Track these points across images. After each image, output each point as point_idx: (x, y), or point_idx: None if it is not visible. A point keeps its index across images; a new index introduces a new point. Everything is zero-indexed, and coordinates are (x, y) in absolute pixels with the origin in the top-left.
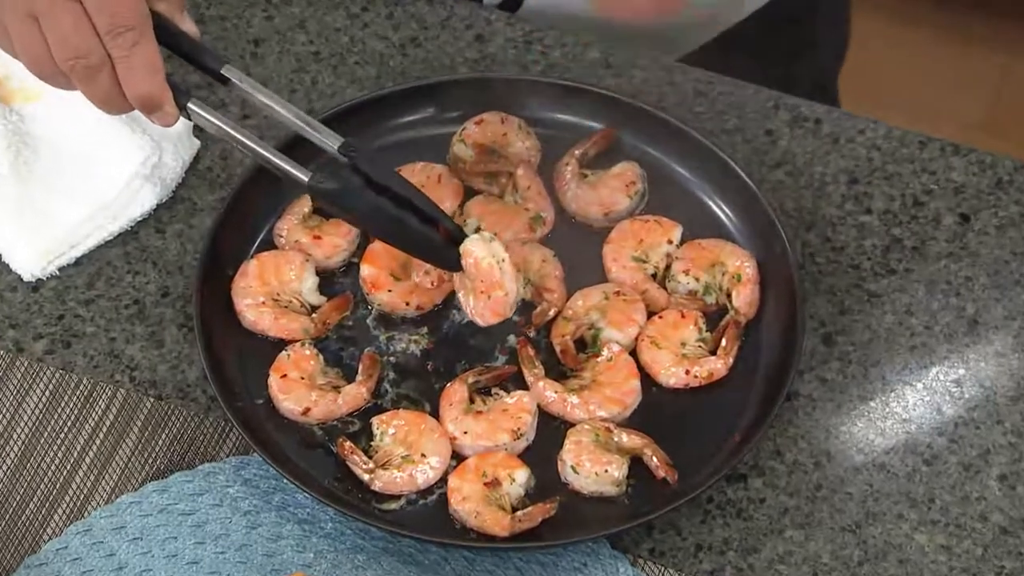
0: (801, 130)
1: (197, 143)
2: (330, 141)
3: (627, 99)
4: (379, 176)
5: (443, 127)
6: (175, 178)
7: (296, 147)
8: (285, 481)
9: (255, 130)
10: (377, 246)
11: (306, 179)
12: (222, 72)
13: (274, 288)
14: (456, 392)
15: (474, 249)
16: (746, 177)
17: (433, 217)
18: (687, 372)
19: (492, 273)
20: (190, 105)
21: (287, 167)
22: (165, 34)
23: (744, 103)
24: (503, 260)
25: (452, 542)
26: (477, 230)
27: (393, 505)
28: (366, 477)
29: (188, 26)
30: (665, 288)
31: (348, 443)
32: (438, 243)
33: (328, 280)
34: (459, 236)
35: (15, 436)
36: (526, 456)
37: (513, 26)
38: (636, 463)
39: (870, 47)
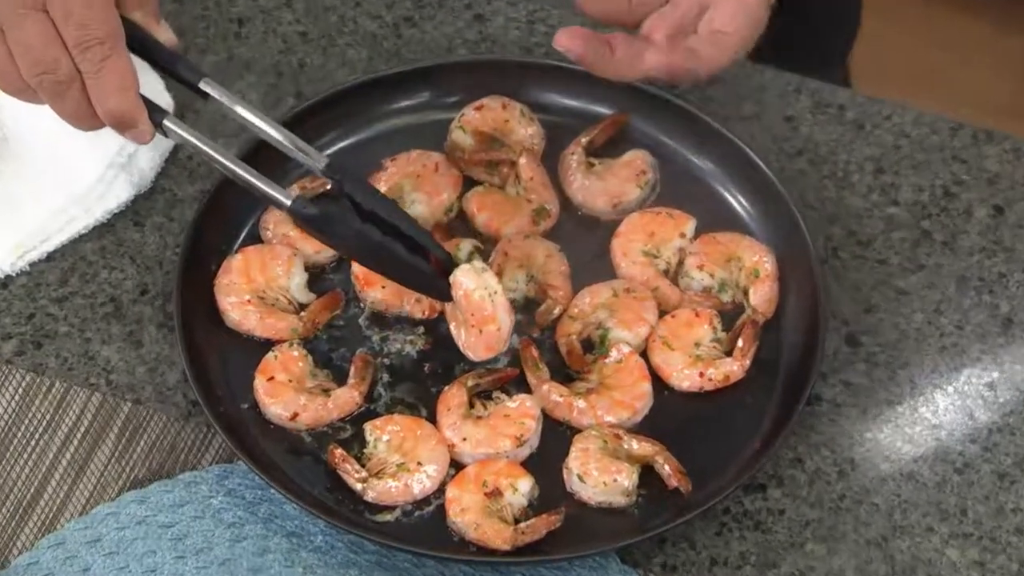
0: (824, 116)
1: None
2: (315, 160)
3: (637, 84)
4: (365, 200)
5: (440, 113)
6: (154, 167)
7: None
8: (272, 491)
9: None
10: None
11: (288, 202)
12: (200, 86)
13: (260, 285)
14: (455, 396)
15: (464, 280)
16: (764, 166)
17: (422, 245)
18: (701, 375)
19: (483, 306)
20: (165, 122)
21: (268, 189)
22: (140, 44)
23: (763, 87)
24: (495, 292)
25: (450, 556)
26: (471, 257)
27: (387, 516)
28: (359, 487)
29: (165, 35)
30: (678, 285)
31: (339, 450)
32: (427, 272)
33: (318, 276)
34: (449, 265)
35: None
36: (529, 464)
37: (515, 5)
38: (647, 472)
39: (885, 23)
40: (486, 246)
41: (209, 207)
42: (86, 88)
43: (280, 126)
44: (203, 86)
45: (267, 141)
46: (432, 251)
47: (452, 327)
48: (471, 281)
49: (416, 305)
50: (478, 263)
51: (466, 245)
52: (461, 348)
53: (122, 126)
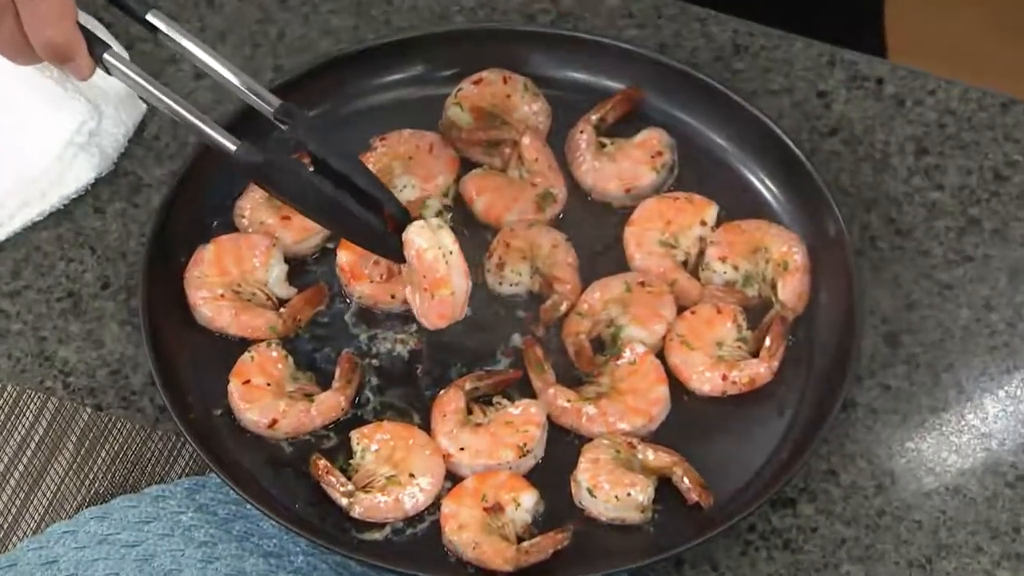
0: (860, 91)
1: (143, 106)
2: (267, 104)
3: (652, 54)
4: (319, 149)
5: (435, 88)
6: (116, 147)
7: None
8: (248, 506)
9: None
10: None
11: (233, 148)
12: (147, 18)
13: (235, 278)
14: (451, 401)
15: (416, 239)
16: (794, 147)
17: (376, 199)
18: (724, 377)
19: (436, 267)
20: (106, 56)
21: (213, 133)
22: None
23: (792, 59)
24: (451, 253)
25: None
26: (439, 214)
27: (376, 535)
28: (344, 501)
29: None
30: (698, 278)
31: (323, 461)
32: (379, 230)
33: (299, 269)
34: (404, 222)
35: None
36: (533, 477)
37: None
38: (664, 485)
39: None
40: (486, 235)
41: (178, 191)
42: (20, 18)
43: (232, 65)
44: (151, 18)
45: (223, 84)
46: (387, 206)
47: (407, 292)
48: (423, 239)
49: (374, 268)
50: (435, 220)
51: (433, 203)
52: (416, 315)
53: (59, 58)
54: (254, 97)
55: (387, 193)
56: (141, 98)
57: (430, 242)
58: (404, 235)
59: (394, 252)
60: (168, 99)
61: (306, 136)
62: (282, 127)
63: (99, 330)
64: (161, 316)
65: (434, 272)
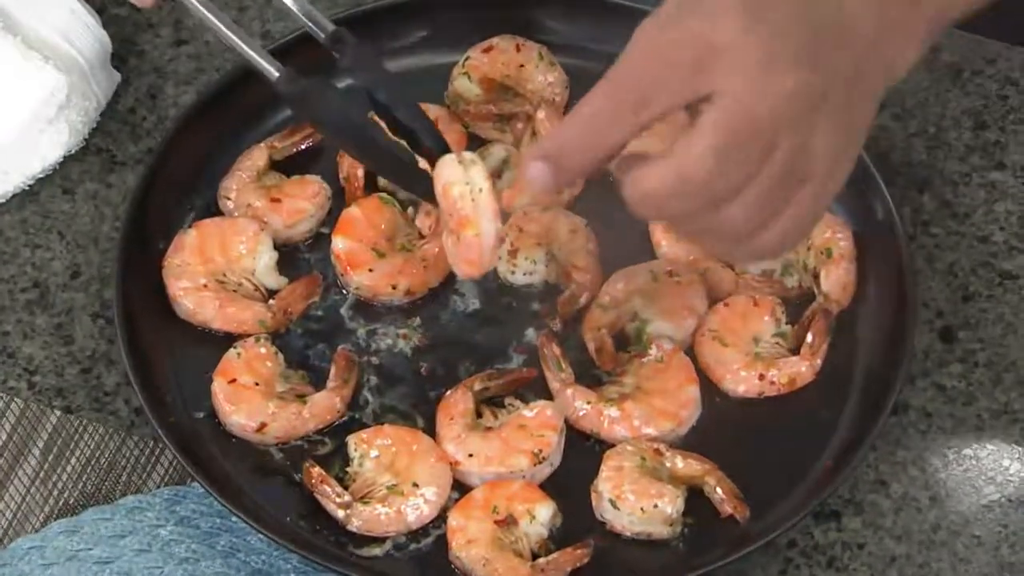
0: None
1: (117, 76)
2: (320, 28)
3: None
4: (362, 78)
5: (441, 56)
6: (88, 122)
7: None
8: (234, 519)
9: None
10: (355, 212)
11: (276, 74)
12: None
13: (219, 266)
14: (458, 403)
15: (444, 172)
16: None
17: (411, 130)
18: (761, 377)
19: (462, 204)
20: None
21: (258, 58)
22: None
23: None
24: (481, 190)
25: None
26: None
27: (376, 550)
28: (341, 514)
29: None
30: (732, 267)
31: (317, 469)
32: (408, 163)
33: (290, 256)
34: (438, 156)
35: None
36: (550, 486)
37: None
38: (694, 496)
39: None
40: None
41: (156, 170)
42: None
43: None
44: None
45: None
46: (425, 140)
47: (444, 238)
48: (451, 173)
49: (424, 219)
50: (468, 155)
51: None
52: (452, 265)
53: None
54: (306, 19)
55: (426, 124)
56: (192, 15)
57: (458, 177)
58: (435, 169)
59: (427, 190)
60: (215, 19)
61: (353, 64)
62: (333, 54)
63: (68, 324)
64: (137, 309)
65: (460, 210)
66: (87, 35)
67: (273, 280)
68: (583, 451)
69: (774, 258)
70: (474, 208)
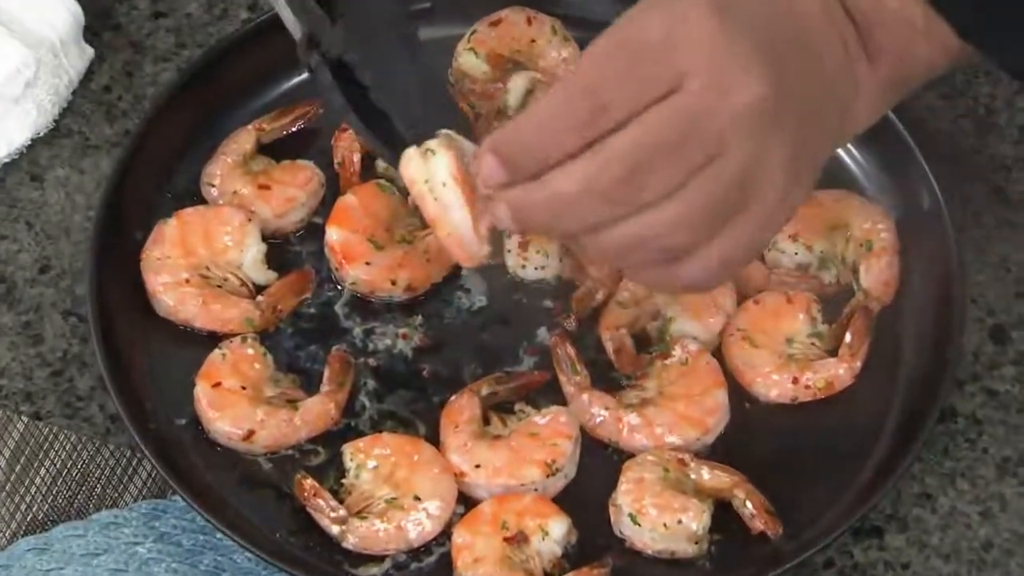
0: None
1: (90, 51)
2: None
3: None
4: (340, 47)
5: (443, 28)
6: (57, 101)
7: None
8: (219, 535)
9: None
10: (351, 200)
11: (297, 36)
12: None
13: (202, 259)
14: (464, 409)
15: (404, 171)
16: None
17: (384, 113)
18: (795, 381)
19: (423, 206)
20: None
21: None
22: None
23: None
24: (443, 185)
25: None
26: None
27: (374, 569)
28: (335, 530)
29: None
30: (763, 260)
31: (310, 481)
32: (384, 153)
33: (280, 248)
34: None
35: None
36: (564, 500)
37: None
38: (722, 510)
39: None
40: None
41: (133, 155)
42: None
43: None
44: None
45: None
46: (398, 127)
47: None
48: (410, 171)
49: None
50: (434, 142)
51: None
52: None
53: None
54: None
55: (399, 112)
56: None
57: (418, 175)
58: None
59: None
60: None
61: (333, 38)
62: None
63: (37, 323)
64: (113, 306)
65: (425, 212)
66: (57, 6)
67: (261, 274)
68: (600, 461)
69: (702, 292)
70: (437, 207)
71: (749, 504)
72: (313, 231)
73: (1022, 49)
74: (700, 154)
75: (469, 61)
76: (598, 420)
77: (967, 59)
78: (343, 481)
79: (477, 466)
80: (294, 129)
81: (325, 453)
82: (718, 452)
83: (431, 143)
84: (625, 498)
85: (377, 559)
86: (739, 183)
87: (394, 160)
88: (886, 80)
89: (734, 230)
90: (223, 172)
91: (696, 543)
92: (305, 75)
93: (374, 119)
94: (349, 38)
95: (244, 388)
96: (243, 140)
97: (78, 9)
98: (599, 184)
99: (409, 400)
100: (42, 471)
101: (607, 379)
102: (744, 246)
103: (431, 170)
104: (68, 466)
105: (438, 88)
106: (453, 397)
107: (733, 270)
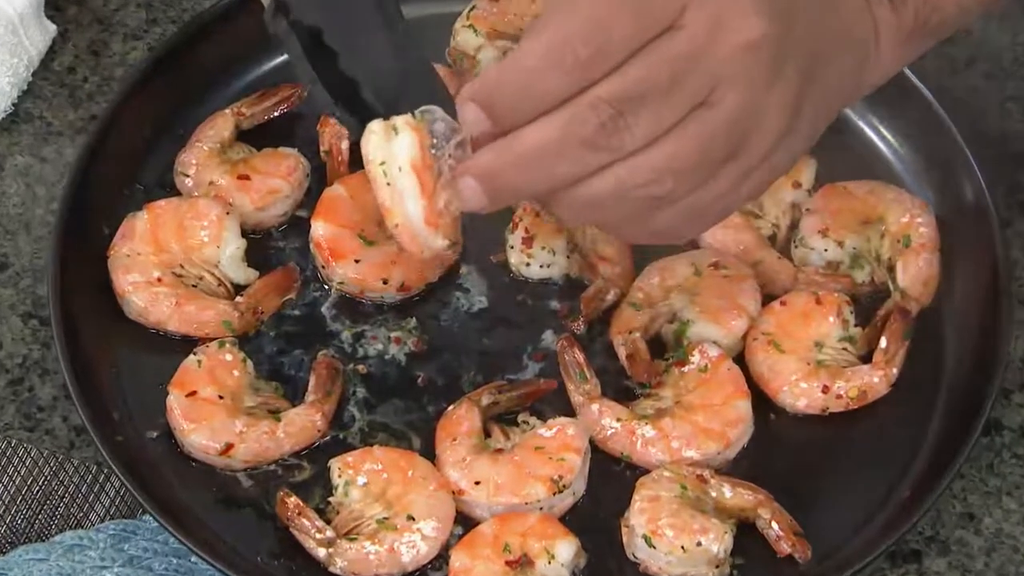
0: (1005, 9)
1: (53, 28)
2: None
3: None
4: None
5: (441, 5)
6: (17, 83)
7: None
8: (193, 559)
9: None
10: (339, 192)
11: (266, 1)
12: None
13: (175, 256)
14: (462, 420)
15: (365, 146)
16: (918, 82)
17: (352, 80)
18: (825, 390)
19: (377, 187)
20: None
21: None
22: None
23: None
24: (399, 169)
25: None
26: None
27: None
28: (322, 552)
29: None
30: (790, 258)
31: (293, 499)
32: (350, 124)
33: (261, 244)
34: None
35: None
36: (572, 520)
37: None
38: (745, 532)
39: None
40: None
41: (100, 142)
42: None
43: None
44: None
45: None
46: (366, 97)
47: None
48: (369, 147)
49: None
50: (400, 119)
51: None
52: None
53: None
54: None
55: (369, 80)
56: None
57: (375, 153)
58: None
59: None
60: None
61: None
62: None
63: None
64: (78, 307)
65: (377, 195)
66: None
67: (240, 273)
68: (611, 478)
69: (676, 242)
70: (390, 193)
71: (775, 525)
72: (297, 225)
73: None
74: (692, 96)
75: (468, 39)
76: (609, 432)
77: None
78: (330, 499)
79: (477, 483)
80: (276, 114)
81: (310, 468)
82: (741, 468)
83: (397, 120)
84: (639, 518)
85: None
86: (731, 129)
87: (360, 133)
88: (911, 24)
89: (716, 184)
90: (199, 161)
91: (716, 567)
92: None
93: (343, 88)
94: (318, 1)
95: (222, 397)
96: (220, 126)
97: None
98: (583, 129)
99: (402, 410)
100: (0, 489)
101: (619, 388)
102: (722, 201)
103: (391, 151)
104: (28, 483)
105: (416, 57)
106: (450, 407)
107: (708, 222)
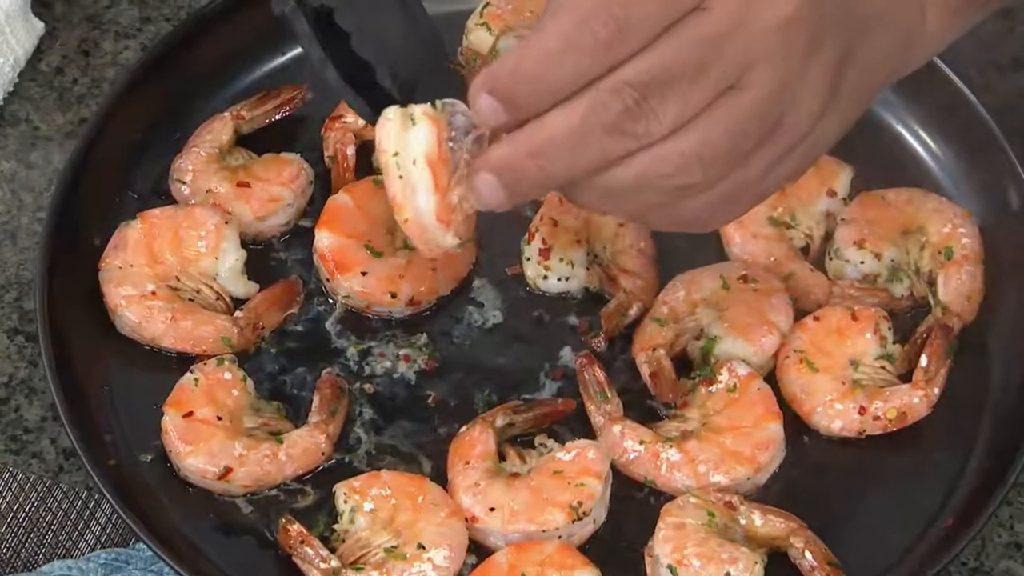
0: None
1: (40, 26)
2: None
3: None
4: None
5: (454, 2)
6: (2, 85)
7: None
8: None
9: None
10: (344, 200)
11: None
12: None
13: (171, 269)
14: (476, 442)
15: (379, 131)
16: (962, 84)
17: (367, 64)
18: (862, 411)
19: (388, 179)
20: None
21: None
22: None
23: None
24: (414, 162)
25: None
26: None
27: None
28: None
29: None
30: (824, 271)
31: (296, 526)
32: (361, 110)
33: (262, 256)
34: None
35: None
36: (592, 549)
37: None
38: (776, 562)
39: None
40: (525, 209)
41: (91, 147)
42: None
43: None
44: None
45: None
46: (382, 83)
47: None
48: (383, 135)
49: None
50: (419, 108)
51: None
52: None
53: None
54: None
55: (384, 62)
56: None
57: (389, 142)
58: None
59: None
60: None
61: None
62: None
63: None
64: (68, 323)
65: (388, 187)
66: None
67: (240, 286)
68: (634, 504)
69: (704, 231)
70: (402, 186)
71: (808, 554)
72: (300, 235)
73: None
74: (721, 79)
75: (482, 38)
76: (632, 456)
77: None
78: (335, 527)
79: (491, 509)
80: (278, 117)
81: (314, 494)
82: (771, 494)
83: (416, 109)
84: (663, 547)
85: None
86: (763, 113)
87: (375, 119)
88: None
89: (746, 171)
90: (195, 167)
91: None
92: (290, 55)
93: (356, 73)
94: None
95: (220, 418)
96: (219, 130)
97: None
98: (606, 116)
99: (412, 432)
100: None
101: (642, 408)
102: (751, 189)
103: (406, 142)
104: (14, 509)
105: (432, 41)
106: (463, 429)
107: (738, 210)
